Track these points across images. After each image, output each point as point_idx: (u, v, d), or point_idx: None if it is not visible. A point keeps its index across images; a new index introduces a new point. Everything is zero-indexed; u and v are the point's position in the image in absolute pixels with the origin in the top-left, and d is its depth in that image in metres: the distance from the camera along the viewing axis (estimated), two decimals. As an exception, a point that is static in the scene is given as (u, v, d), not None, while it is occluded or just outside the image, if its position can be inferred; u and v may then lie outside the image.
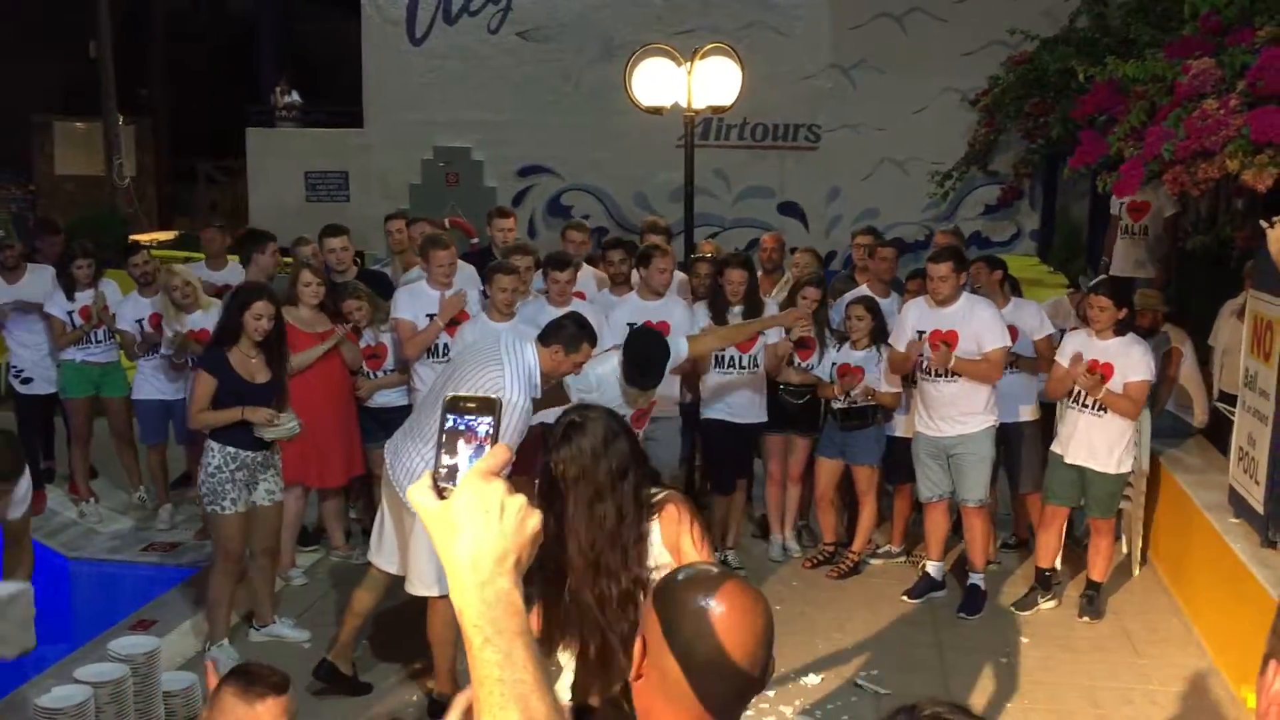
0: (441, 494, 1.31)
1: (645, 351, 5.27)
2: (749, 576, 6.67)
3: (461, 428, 1.33)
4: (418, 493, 1.32)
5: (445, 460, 1.33)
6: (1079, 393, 6.01)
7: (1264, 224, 4.36)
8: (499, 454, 1.31)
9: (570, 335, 4.89)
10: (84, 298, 7.34)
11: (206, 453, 5.40)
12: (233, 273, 7.68)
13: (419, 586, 4.99)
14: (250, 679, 2.91)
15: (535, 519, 1.32)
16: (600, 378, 5.34)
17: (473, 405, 1.34)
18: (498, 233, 7.50)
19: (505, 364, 4.72)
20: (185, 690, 4.75)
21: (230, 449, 5.34)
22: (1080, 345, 6.06)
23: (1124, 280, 7.12)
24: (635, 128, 10.62)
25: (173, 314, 6.81)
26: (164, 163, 20.00)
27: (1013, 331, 6.34)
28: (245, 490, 5.41)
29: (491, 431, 1.33)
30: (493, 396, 1.36)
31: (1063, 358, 6.12)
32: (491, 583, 1.28)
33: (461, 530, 1.29)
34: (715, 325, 6.58)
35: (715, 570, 1.77)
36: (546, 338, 4.89)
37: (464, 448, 1.32)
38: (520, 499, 1.31)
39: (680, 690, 1.62)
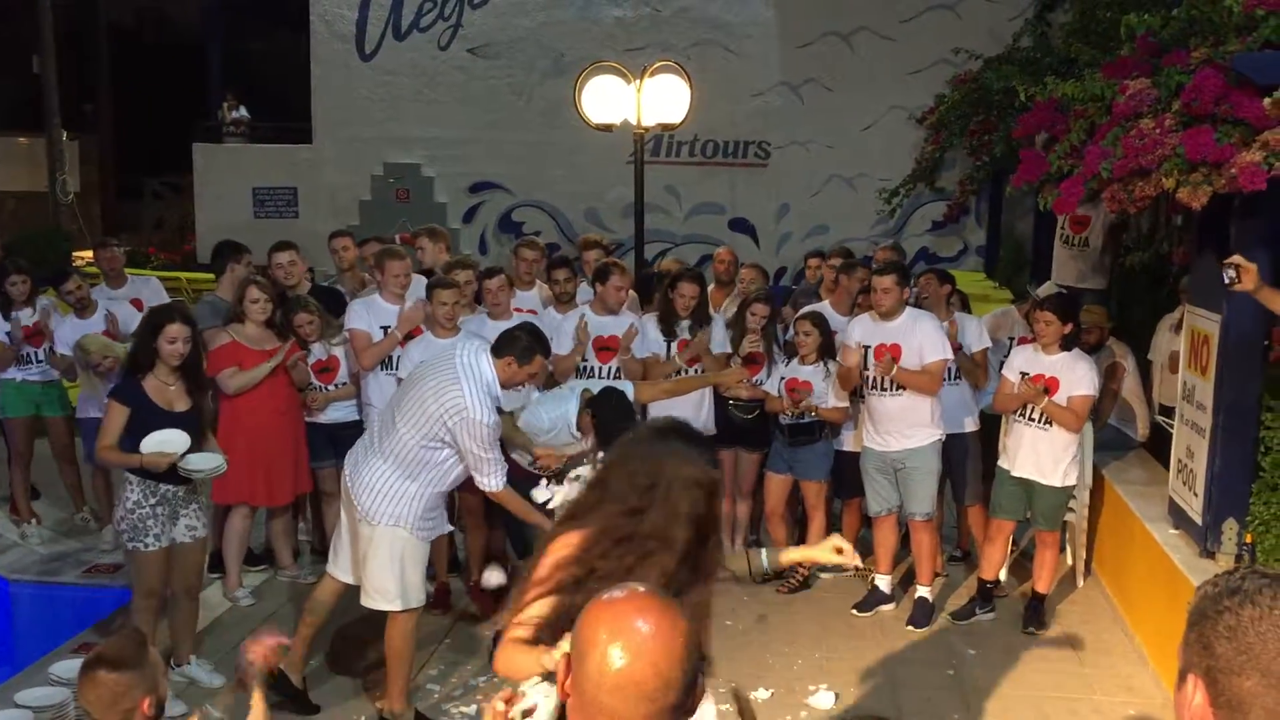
0: None
1: (613, 417, 5.30)
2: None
3: None
4: None
5: None
6: (1025, 407, 6.10)
7: (1228, 272, 4.45)
8: None
9: (524, 347, 4.90)
10: (20, 316, 7.23)
11: (125, 487, 5.14)
12: (133, 288, 7.68)
13: (379, 600, 4.97)
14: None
15: None
16: (554, 420, 5.39)
17: None
18: (417, 250, 7.55)
19: (463, 381, 4.73)
20: (128, 714, 4.67)
21: (150, 482, 5.10)
22: (1026, 359, 6.16)
23: (1070, 296, 7.24)
24: (587, 144, 10.65)
25: (100, 385, 6.77)
26: (109, 179, 19.75)
27: (953, 345, 6.44)
28: (167, 525, 5.17)
29: None
30: None
31: (1010, 371, 6.22)
32: None
33: None
34: (664, 338, 6.64)
35: (637, 594, 1.69)
36: (499, 349, 4.90)
37: None
38: None
39: (597, 712, 1.61)
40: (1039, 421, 6.07)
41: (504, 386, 4.89)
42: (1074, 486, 6.33)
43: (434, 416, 4.76)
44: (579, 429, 5.43)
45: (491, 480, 4.87)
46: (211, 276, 7.62)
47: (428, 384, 4.83)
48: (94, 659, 3.07)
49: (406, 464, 4.85)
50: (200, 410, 5.28)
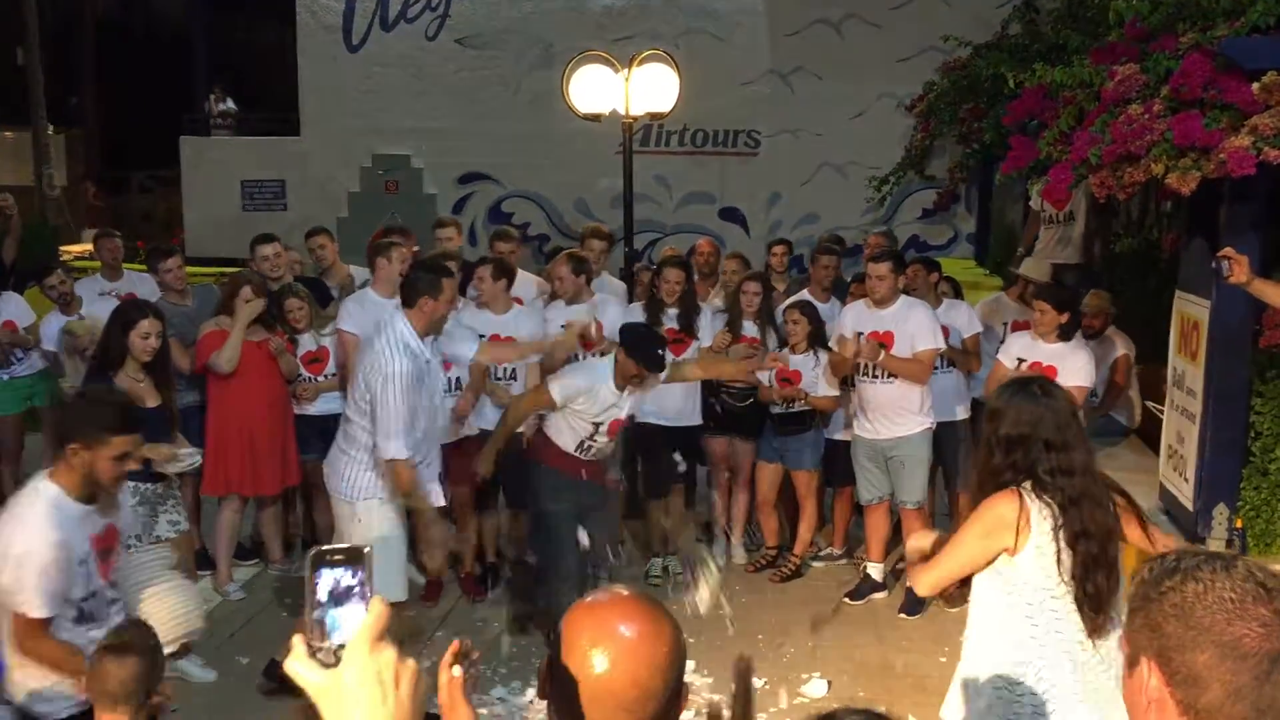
0: (322, 662, 1.24)
1: (645, 345, 5.42)
2: (692, 583, 6.68)
3: (332, 584, 1.26)
4: (297, 665, 1.25)
5: (318, 622, 1.26)
6: None
7: (1222, 265, 4.47)
8: (380, 613, 1.25)
9: (427, 282, 5.00)
10: None
11: None
12: (129, 282, 7.62)
13: None
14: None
15: (424, 684, 1.28)
16: (592, 382, 5.41)
17: (339, 558, 1.27)
18: (437, 242, 7.50)
19: (378, 339, 4.94)
20: (119, 709, 4.65)
21: (128, 484, 4.91)
22: (1024, 347, 6.14)
23: (1068, 285, 7.25)
24: (576, 134, 10.61)
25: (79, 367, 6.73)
26: (96, 172, 19.66)
27: (945, 331, 6.44)
28: (149, 524, 5.12)
29: (365, 583, 1.26)
30: (361, 546, 1.30)
31: (1006, 357, 6.20)
32: None
33: (357, 706, 1.23)
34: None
35: (621, 597, 1.65)
36: (408, 299, 5.04)
37: (339, 606, 1.26)
38: (411, 664, 1.27)
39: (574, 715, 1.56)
40: None
41: (431, 327, 5.02)
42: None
43: (363, 389, 4.93)
44: (618, 384, 5.39)
45: (392, 446, 4.87)
46: (201, 269, 7.57)
47: (362, 361, 5.06)
48: (101, 647, 3.13)
49: (365, 445, 5.00)
50: (170, 407, 5.23)
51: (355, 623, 1.25)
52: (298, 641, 1.26)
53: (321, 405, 6.57)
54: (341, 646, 1.24)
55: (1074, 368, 5.96)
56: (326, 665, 1.24)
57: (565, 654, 1.57)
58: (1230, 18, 5.12)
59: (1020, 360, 6.09)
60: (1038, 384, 3.46)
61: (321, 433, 6.44)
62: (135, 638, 3.15)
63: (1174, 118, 4.85)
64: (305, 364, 6.54)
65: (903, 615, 6.26)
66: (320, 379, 6.59)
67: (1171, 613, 1.48)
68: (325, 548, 1.30)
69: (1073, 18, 8.79)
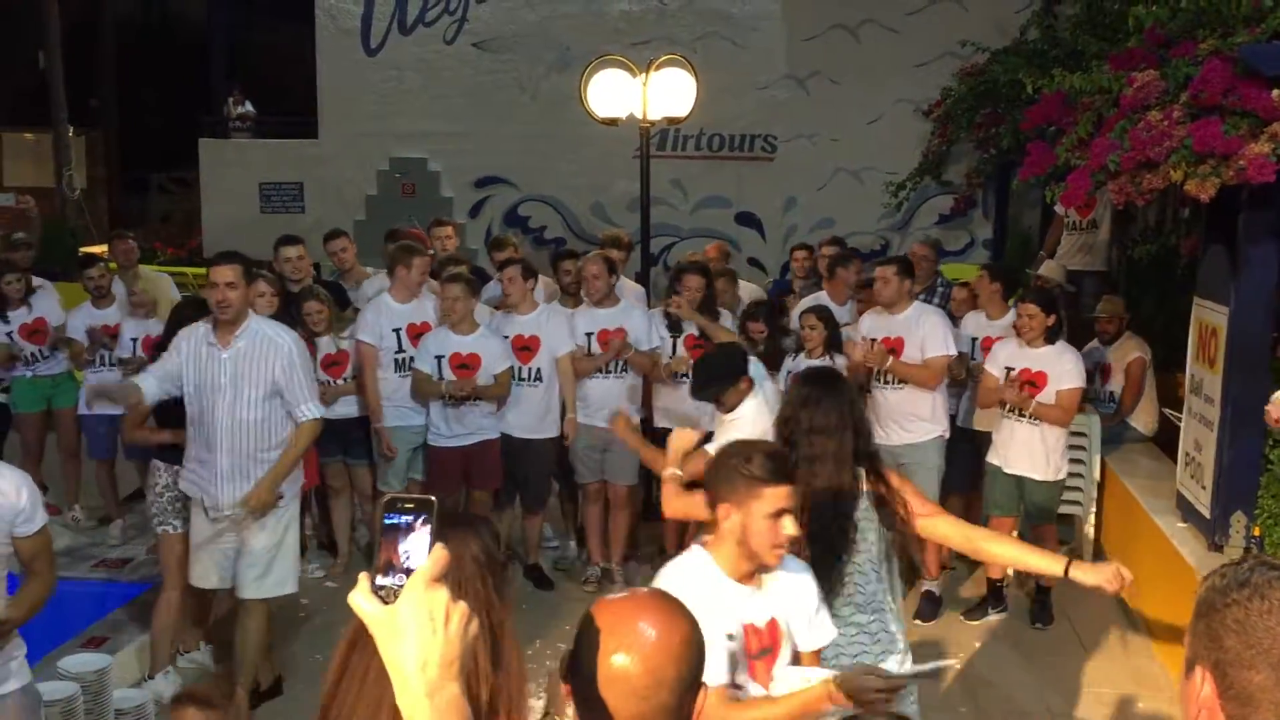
0: (382, 598, 1.34)
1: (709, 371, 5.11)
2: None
3: (400, 527, 1.36)
4: (358, 598, 1.34)
5: (385, 560, 1.36)
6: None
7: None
8: (440, 558, 1.33)
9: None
10: (17, 317, 7.26)
11: (153, 473, 5.38)
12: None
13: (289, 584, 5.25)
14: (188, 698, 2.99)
15: (475, 624, 1.36)
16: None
17: (410, 505, 1.37)
18: (436, 241, 7.58)
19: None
20: (137, 709, 4.69)
21: (174, 468, 5.24)
22: (1010, 355, 6.13)
23: (1049, 290, 7.26)
24: (593, 138, 10.63)
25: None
26: (115, 174, 19.74)
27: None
28: (182, 517, 5.29)
29: (430, 530, 1.36)
30: (429, 497, 1.39)
31: (993, 366, 6.19)
32: (442, 689, 1.32)
33: (407, 638, 1.32)
34: (670, 333, 6.62)
35: (638, 594, 1.73)
36: None
37: (403, 548, 1.36)
38: (462, 606, 1.34)
39: (592, 707, 1.61)
40: (1029, 417, 6.05)
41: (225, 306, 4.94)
42: (1065, 480, 6.29)
43: None
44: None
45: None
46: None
47: None
48: (184, 695, 3.10)
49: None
50: None
51: (416, 565, 1.35)
52: (363, 577, 1.35)
53: (339, 409, 6.58)
54: (401, 586, 1.34)
55: (1063, 371, 5.96)
56: (385, 601, 1.33)
57: (584, 646, 1.63)
58: (1250, 24, 5.10)
59: (1008, 369, 6.09)
60: (822, 370, 3.96)
61: (339, 436, 6.48)
62: (205, 691, 3.07)
63: (1193, 124, 4.83)
64: (324, 367, 6.55)
65: (917, 621, 6.21)
66: (339, 382, 6.61)
67: (1233, 627, 1.44)
68: (397, 494, 1.41)
69: (1091, 23, 8.78)
